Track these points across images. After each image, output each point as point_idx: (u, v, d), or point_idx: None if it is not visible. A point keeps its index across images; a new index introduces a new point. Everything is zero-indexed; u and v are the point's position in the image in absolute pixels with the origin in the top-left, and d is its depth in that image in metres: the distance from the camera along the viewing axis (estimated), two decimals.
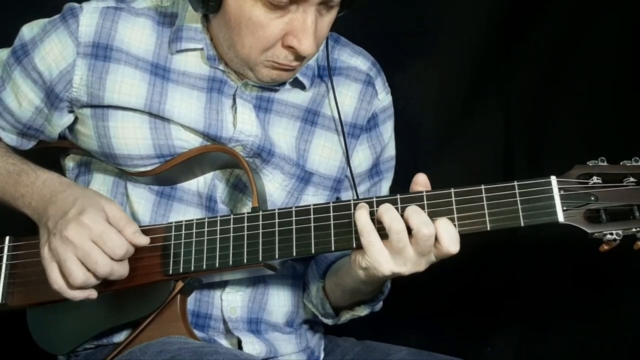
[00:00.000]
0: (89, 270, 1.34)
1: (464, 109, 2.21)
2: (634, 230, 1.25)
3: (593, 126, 2.01)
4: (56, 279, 1.36)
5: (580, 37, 2.07)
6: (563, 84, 2.11)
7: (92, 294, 1.38)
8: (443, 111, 2.22)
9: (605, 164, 1.29)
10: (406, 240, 1.26)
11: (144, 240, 1.39)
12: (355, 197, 1.60)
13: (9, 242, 1.56)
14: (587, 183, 1.27)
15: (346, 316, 1.56)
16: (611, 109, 2.02)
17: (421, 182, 1.33)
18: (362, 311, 1.54)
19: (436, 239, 1.26)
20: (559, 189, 1.26)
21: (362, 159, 1.62)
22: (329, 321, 1.58)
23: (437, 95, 2.21)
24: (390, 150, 1.69)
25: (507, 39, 2.17)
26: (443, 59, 2.19)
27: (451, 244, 1.26)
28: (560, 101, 2.11)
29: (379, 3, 1.95)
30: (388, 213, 1.28)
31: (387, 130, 1.65)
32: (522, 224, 1.27)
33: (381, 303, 1.57)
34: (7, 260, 1.54)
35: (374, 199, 1.34)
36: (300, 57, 1.40)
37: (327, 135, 1.58)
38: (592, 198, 1.26)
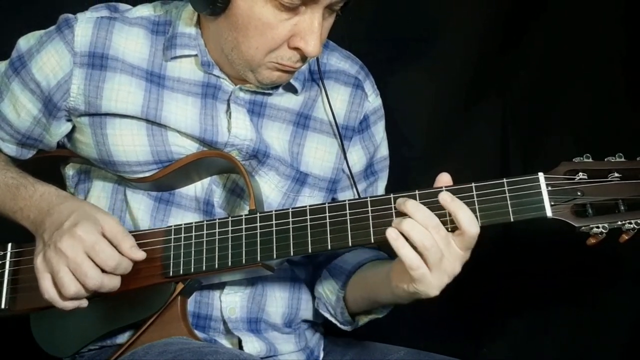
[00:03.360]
0: (79, 282, 1.36)
1: (460, 112, 2.23)
2: (619, 223, 1.29)
3: (591, 129, 2.05)
4: (47, 289, 1.38)
5: (577, 40, 2.09)
6: (559, 87, 2.12)
7: (83, 303, 1.40)
8: (439, 114, 2.24)
9: (590, 160, 1.33)
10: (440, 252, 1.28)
11: (140, 255, 1.42)
12: (355, 196, 1.64)
13: (11, 249, 1.58)
14: (573, 179, 1.31)
15: (364, 320, 1.58)
16: (607, 111, 2.04)
17: (444, 180, 1.35)
18: (380, 313, 1.56)
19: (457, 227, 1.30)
20: (547, 185, 1.30)
21: (356, 160, 1.66)
22: (347, 328, 1.60)
23: (433, 98, 2.23)
24: (384, 151, 1.72)
25: (505, 41, 2.18)
26: (440, 62, 2.21)
27: (470, 225, 1.29)
28: (557, 104, 2.13)
29: (376, 9, 1.98)
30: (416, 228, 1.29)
31: (379, 131, 1.69)
32: (512, 219, 1.30)
33: None
34: (9, 267, 1.56)
35: (368, 199, 1.38)
36: (303, 59, 1.43)
37: (320, 138, 1.61)
38: (579, 193, 1.30)
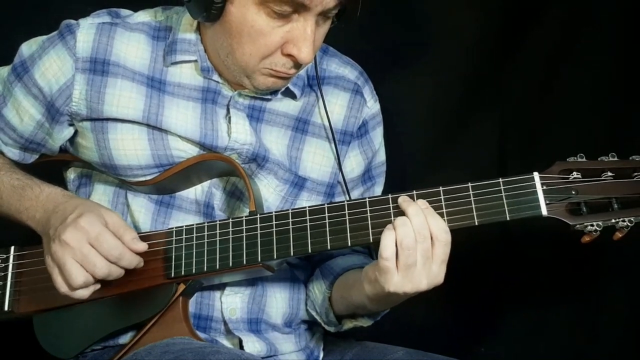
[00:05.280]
0: (87, 271, 1.38)
1: (457, 114, 2.26)
2: (613, 221, 1.32)
3: (585, 130, 2.07)
4: (61, 284, 1.40)
5: (574, 44, 2.11)
6: (554, 89, 2.15)
7: (96, 286, 1.42)
8: (436, 118, 2.27)
9: (584, 160, 1.36)
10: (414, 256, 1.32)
11: (142, 246, 1.44)
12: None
13: (14, 252, 1.60)
14: (567, 178, 1.34)
15: (349, 325, 1.59)
16: (601, 111, 2.07)
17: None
18: (365, 322, 1.58)
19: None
20: (542, 184, 1.33)
21: (354, 164, 1.67)
22: (331, 329, 1.62)
23: (430, 102, 2.25)
24: (381, 156, 1.74)
25: (501, 44, 2.21)
26: (438, 64, 2.23)
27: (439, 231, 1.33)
28: (551, 105, 2.15)
29: (374, 13, 1.99)
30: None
31: (377, 136, 1.70)
32: (508, 218, 1.33)
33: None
34: (12, 269, 1.58)
35: (367, 199, 1.40)
36: (297, 65, 1.45)
37: (318, 143, 1.62)
38: (573, 192, 1.33)
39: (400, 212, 1.36)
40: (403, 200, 1.37)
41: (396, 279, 1.33)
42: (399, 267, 1.32)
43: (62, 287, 1.40)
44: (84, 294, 1.41)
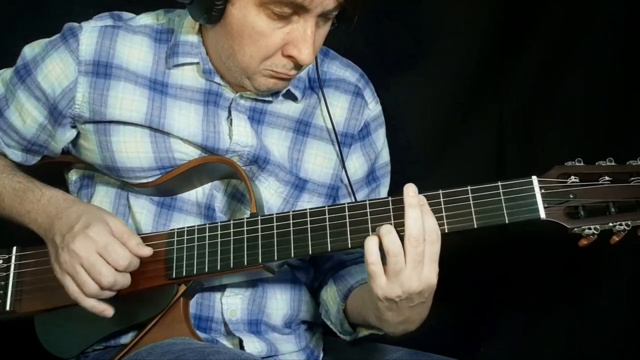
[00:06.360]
0: (94, 280, 1.40)
1: (457, 118, 2.27)
2: (610, 225, 1.33)
3: (583, 134, 2.08)
4: (74, 290, 1.43)
5: (574, 46, 2.12)
6: (553, 94, 2.16)
7: (107, 310, 1.44)
8: (436, 119, 2.27)
9: (582, 164, 1.37)
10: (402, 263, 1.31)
11: (147, 251, 1.46)
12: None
13: (16, 252, 1.61)
14: (565, 182, 1.35)
15: (364, 332, 1.59)
16: (599, 116, 2.08)
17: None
18: (380, 330, 1.55)
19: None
20: (540, 187, 1.34)
21: (357, 166, 1.68)
22: (347, 337, 1.62)
23: (430, 103, 2.26)
24: (385, 157, 1.74)
25: (502, 46, 2.21)
26: (437, 68, 2.24)
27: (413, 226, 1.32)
28: (550, 110, 2.16)
29: (374, 14, 1.98)
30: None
31: (380, 137, 1.71)
32: (507, 221, 1.34)
33: None
34: (14, 269, 1.59)
35: (367, 201, 1.41)
36: (298, 66, 1.45)
37: (320, 145, 1.63)
38: (571, 196, 1.34)
39: (401, 215, 1.35)
40: (410, 186, 1.36)
41: (384, 283, 1.33)
42: (388, 273, 1.32)
43: (74, 294, 1.43)
44: (95, 305, 1.43)
